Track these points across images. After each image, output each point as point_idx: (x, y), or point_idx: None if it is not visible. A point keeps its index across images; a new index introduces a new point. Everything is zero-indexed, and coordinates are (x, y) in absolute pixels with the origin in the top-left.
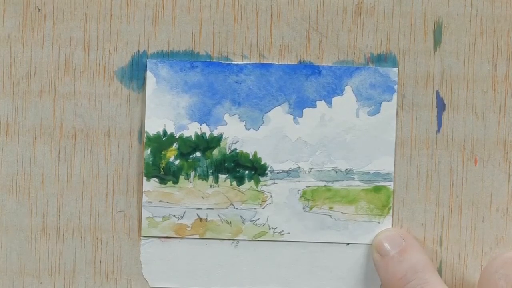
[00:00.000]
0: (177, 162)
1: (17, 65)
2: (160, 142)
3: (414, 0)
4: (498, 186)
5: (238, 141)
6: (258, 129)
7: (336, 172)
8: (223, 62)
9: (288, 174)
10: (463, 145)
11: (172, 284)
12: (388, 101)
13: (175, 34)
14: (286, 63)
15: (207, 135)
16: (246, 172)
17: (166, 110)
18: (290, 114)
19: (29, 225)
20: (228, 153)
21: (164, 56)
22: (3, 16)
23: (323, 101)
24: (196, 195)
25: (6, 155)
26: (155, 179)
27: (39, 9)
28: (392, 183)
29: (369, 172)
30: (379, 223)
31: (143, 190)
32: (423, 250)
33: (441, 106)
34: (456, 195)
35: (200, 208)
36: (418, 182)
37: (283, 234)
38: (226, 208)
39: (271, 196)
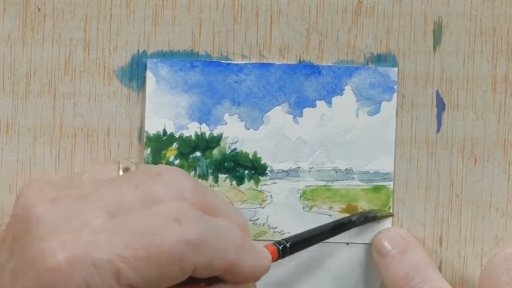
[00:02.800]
0: (177, 161)
1: (17, 65)
2: (160, 142)
3: (414, 0)
4: (498, 186)
5: (238, 141)
6: (258, 128)
7: (336, 171)
8: (223, 62)
9: (288, 173)
10: (462, 145)
11: None
12: (388, 101)
13: (175, 34)
14: (286, 63)
15: (207, 134)
16: (246, 171)
17: (166, 109)
18: (290, 114)
19: None
20: (228, 152)
21: (164, 56)
22: (3, 16)
23: (323, 101)
24: None
25: (6, 155)
26: None
27: (39, 9)
28: (391, 183)
29: (368, 172)
30: (379, 222)
31: None
32: (423, 248)
33: (441, 106)
34: (456, 195)
35: None
36: (417, 182)
37: (283, 233)
38: None
39: (271, 195)
